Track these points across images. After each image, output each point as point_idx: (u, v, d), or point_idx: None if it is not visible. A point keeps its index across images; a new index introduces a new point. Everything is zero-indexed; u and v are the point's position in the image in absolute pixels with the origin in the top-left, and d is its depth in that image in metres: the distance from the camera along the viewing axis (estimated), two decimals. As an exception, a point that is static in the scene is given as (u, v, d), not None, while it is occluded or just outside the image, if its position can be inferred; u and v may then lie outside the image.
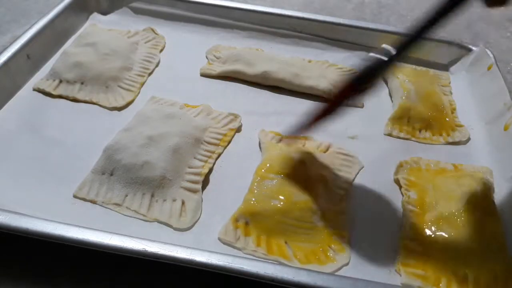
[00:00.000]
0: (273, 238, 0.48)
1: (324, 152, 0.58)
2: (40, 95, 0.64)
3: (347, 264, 0.47)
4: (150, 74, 0.70)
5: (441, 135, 0.64)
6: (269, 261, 0.45)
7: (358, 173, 0.57)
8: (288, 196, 0.50)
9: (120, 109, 0.63)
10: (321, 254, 0.47)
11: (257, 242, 0.47)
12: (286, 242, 0.48)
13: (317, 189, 0.51)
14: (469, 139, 0.63)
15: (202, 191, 0.53)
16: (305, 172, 0.53)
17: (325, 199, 0.52)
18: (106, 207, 0.50)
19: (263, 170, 0.53)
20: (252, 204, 0.49)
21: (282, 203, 0.49)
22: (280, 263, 0.45)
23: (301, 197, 0.50)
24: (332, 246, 0.48)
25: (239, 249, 0.47)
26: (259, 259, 0.45)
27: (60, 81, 0.65)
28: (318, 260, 0.46)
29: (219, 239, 0.47)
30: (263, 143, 0.58)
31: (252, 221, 0.49)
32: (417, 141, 0.63)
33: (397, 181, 0.56)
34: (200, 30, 0.80)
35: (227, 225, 0.48)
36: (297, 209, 0.49)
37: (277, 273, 0.41)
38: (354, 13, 0.95)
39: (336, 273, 0.45)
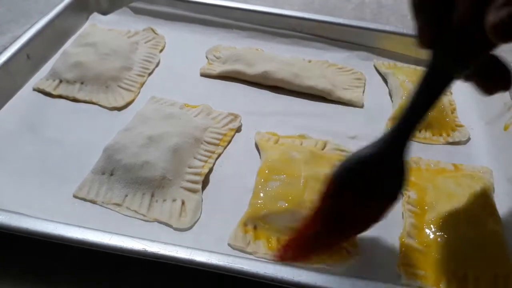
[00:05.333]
0: (283, 240, 0.47)
1: (322, 149, 0.58)
2: (40, 95, 0.64)
3: (358, 259, 0.47)
4: (150, 74, 0.70)
5: (441, 135, 0.63)
6: (282, 263, 0.44)
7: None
8: (293, 197, 0.49)
9: (120, 109, 0.63)
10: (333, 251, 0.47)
11: (268, 245, 0.47)
12: None
13: (320, 188, 0.51)
14: (469, 139, 0.63)
15: (202, 191, 0.53)
16: (306, 171, 0.53)
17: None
18: (106, 207, 0.50)
19: (266, 172, 0.53)
20: (258, 207, 0.49)
21: (288, 204, 0.49)
22: (294, 265, 0.45)
23: (306, 197, 0.50)
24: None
25: (250, 253, 0.46)
26: (267, 260, 0.45)
27: (60, 81, 0.65)
28: (330, 258, 0.46)
29: (229, 245, 0.47)
30: (260, 144, 0.58)
31: (261, 224, 0.48)
32: (417, 141, 0.63)
33: (397, 181, 0.56)
34: (200, 30, 0.80)
35: (236, 231, 0.48)
36: (304, 209, 0.49)
37: (277, 273, 0.41)
38: (354, 13, 0.95)
39: (336, 273, 0.45)
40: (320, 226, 0.45)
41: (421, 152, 0.60)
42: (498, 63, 0.39)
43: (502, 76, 0.39)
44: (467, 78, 0.40)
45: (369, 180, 0.43)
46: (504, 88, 0.39)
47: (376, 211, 0.44)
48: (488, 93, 0.41)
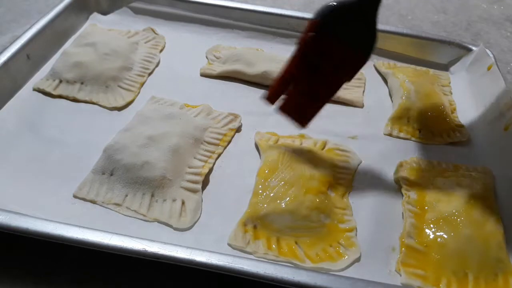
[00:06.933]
0: (283, 240, 0.48)
1: (322, 149, 0.58)
2: (40, 95, 0.64)
3: (358, 258, 0.47)
4: (150, 74, 0.70)
5: (441, 135, 0.63)
6: (281, 263, 0.45)
7: (357, 168, 0.57)
8: (293, 197, 0.50)
9: (120, 109, 0.63)
10: (332, 251, 0.47)
11: (268, 245, 0.47)
12: (296, 243, 0.48)
13: (320, 187, 0.51)
14: (469, 139, 0.63)
15: (202, 191, 0.53)
16: (306, 171, 0.53)
17: (329, 196, 0.52)
18: (106, 207, 0.50)
19: (266, 172, 0.53)
20: (258, 207, 0.49)
21: (288, 204, 0.49)
22: (294, 265, 0.45)
23: (306, 196, 0.50)
24: (342, 242, 0.48)
25: (249, 253, 0.46)
26: (269, 261, 0.45)
27: (60, 81, 0.65)
28: (330, 257, 0.46)
29: (229, 244, 0.47)
30: (260, 144, 0.58)
31: (260, 224, 0.48)
32: (417, 141, 0.63)
33: (397, 181, 0.56)
34: (200, 30, 0.80)
35: (236, 230, 0.48)
36: (304, 208, 0.49)
37: (277, 273, 0.41)
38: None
39: (336, 273, 0.45)
40: (300, 68, 0.51)
41: (421, 152, 0.60)
42: None
43: None
44: None
45: (348, 24, 0.49)
46: None
47: (349, 63, 0.51)
48: None
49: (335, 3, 0.49)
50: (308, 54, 0.51)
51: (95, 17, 0.80)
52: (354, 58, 0.51)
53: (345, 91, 0.69)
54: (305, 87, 0.53)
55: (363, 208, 0.53)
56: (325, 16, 0.49)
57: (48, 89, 0.64)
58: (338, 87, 0.53)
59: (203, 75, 0.71)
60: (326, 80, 0.52)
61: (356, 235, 0.49)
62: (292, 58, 0.52)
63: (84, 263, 0.46)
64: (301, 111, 0.54)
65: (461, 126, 0.65)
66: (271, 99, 0.54)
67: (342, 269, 0.46)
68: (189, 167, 0.54)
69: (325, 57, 0.51)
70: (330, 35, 0.50)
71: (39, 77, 0.66)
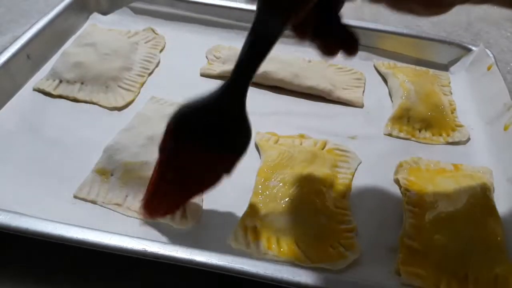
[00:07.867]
0: (283, 240, 0.47)
1: (322, 149, 0.58)
2: (40, 95, 0.64)
3: (358, 258, 0.47)
4: (150, 74, 0.70)
5: (441, 135, 0.64)
6: (282, 263, 0.45)
7: (357, 168, 0.57)
8: (293, 197, 0.50)
9: (120, 109, 0.63)
10: (332, 251, 0.47)
11: (268, 245, 0.47)
12: (296, 243, 0.47)
13: (321, 187, 0.51)
14: (469, 139, 0.63)
15: (202, 191, 0.53)
16: (306, 171, 0.53)
17: (329, 196, 0.52)
18: (106, 207, 0.50)
19: (266, 172, 0.53)
20: (258, 207, 0.49)
21: (288, 204, 0.49)
22: (294, 265, 0.45)
23: (306, 196, 0.50)
24: (342, 242, 0.48)
25: (249, 253, 0.46)
26: (269, 261, 0.45)
27: (60, 81, 0.65)
28: (330, 257, 0.46)
29: (229, 245, 0.47)
30: (260, 144, 0.58)
31: (260, 224, 0.48)
32: (417, 141, 0.63)
33: (397, 181, 0.56)
34: (200, 30, 0.80)
35: (236, 230, 0.48)
36: (304, 208, 0.49)
37: (277, 273, 0.41)
38: (354, 13, 0.94)
39: (336, 273, 0.45)
40: (162, 178, 0.45)
41: (421, 152, 0.60)
42: (343, 29, 0.43)
43: (346, 41, 0.43)
44: (312, 40, 0.43)
45: (209, 129, 0.42)
46: (349, 52, 0.43)
47: (223, 163, 0.44)
48: (328, 54, 0.43)
49: (187, 106, 0.43)
50: (171, 164, 0.44)
51: (95, 17, 0.80)
52: (224, 159, 0.44)
53: (345, 91, 0.69)
54: (174, 187, 0.46)
55: (363, 208, 0.53)
56: (178, 123, 0.43)
57: (48, 89, 0.64)
58: (215, 181, 0.46)
59: (203, 75, 0.71)
60: (197, 180, 0.46)
61: (356, 235, 0.49)
62: (156, 168, 0.46)
63: (84, 263, 0.46)
64: (168, 202, 0.47)
65: (461, 126, 0.65)
66: (150, 212, 0.47)
67: (342, 269, 0.46)
68: (189, 167, 0.54)
69: (191, 163, 0.44)
70: (189, 142, 0.43)
71: (39, 77, 0.66)
